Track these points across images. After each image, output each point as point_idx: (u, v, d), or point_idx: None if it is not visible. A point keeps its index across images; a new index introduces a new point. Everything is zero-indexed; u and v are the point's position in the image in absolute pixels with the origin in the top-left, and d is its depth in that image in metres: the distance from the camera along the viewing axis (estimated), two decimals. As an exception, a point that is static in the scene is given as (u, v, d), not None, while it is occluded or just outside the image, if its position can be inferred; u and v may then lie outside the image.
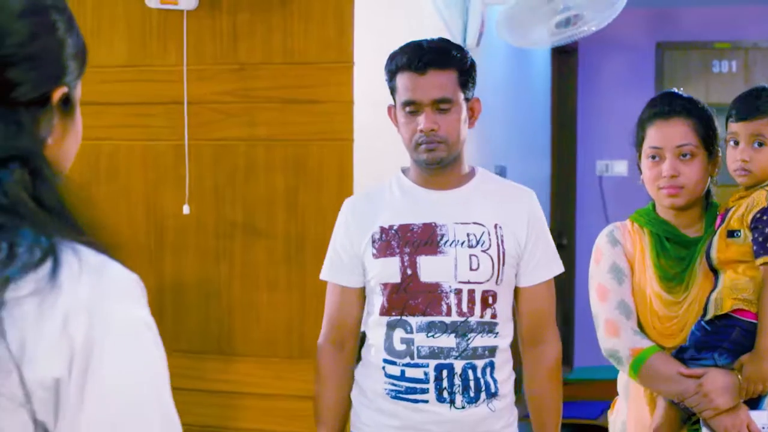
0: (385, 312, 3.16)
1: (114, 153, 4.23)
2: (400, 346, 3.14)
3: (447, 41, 3.19)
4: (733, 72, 8.89)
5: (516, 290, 3.23)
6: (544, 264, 3.23)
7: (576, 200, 9.06)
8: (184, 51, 4.09)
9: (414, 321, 3.11)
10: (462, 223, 3.14)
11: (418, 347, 3.11)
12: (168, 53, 4.14)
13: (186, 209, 4.09)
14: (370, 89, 4.02)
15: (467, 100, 3.15)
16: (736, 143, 3.11)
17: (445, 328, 3.10)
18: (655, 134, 3.17)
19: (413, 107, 3.10)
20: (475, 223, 3.15)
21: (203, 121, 4.11)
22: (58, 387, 1.27)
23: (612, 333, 3.16)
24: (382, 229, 3.17)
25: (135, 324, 1.34)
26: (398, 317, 3.13)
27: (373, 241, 3.17)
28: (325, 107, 3.97)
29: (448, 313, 3.09)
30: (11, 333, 1.24)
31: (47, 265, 1.29)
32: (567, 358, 8.02)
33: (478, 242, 3.13)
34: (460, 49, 3.18)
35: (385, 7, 4.30)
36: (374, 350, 3.20)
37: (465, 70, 3.13)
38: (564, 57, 8.76)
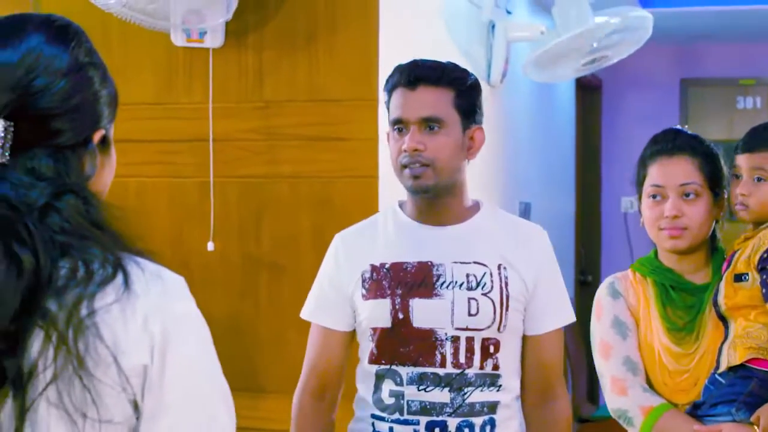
0: (374, 360, 2.84)
1: (140, 190, 4.25)
2: (389, 400, 2.81)
3: (451, 63, 2.92)
4: (758, 108, 8.89)
5: (522, 339, 2.91)
6: (554, 311, 2.91)
7: (601, 237, 9.05)
8: (210, 89, 4.11)
9: (404, 371, 2.78)
10: (461, 263, 2.81)
11: (408, 401, 2.78)
12: (194, 91, 4.17)
13: (210, 246, 4.11)
14: (394, 126, 4.02)
15: (466, 126, 2.84)
16: (738, 177, 2.98)
17: (439, 381, 2.76)
18: (656, 172, 3.00)
19: (400, 125, 2.81)
20: (476, 262, 2.82)
21: (228, 158, 4.13)
22: (145, 372, 1.60)
23: (619, 392, 2.96)
24: (373, 268, 2.85)
25: (194, 317, 1.71)
26: (387, 366, 2.81)
27: (363, 281, 2.86)
28: (350, 144, 3.98)
29: (442, 364, 2.76)
30: (106, 334, 1.56)
31: (120, 277, 1.60)
32: (592, 395, 7.99)
33: (478, 284, 2.79)
34: (461, 70, 2.89)
35: (410, 44, 4.31)
36: (363, 404, 2.90)
37: (463, 91, 2.83)
38: (588, 93, 8.77)
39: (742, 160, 2.98)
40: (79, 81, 1.68)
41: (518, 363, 2.89)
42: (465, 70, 2.90)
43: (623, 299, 3.05)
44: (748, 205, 2.95)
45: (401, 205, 2.97)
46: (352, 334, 2.95)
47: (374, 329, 2.83)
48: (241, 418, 4.21)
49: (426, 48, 4.58)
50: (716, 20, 7.93)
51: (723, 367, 2.84)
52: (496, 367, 2.80)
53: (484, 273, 2.81)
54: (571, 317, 2.96)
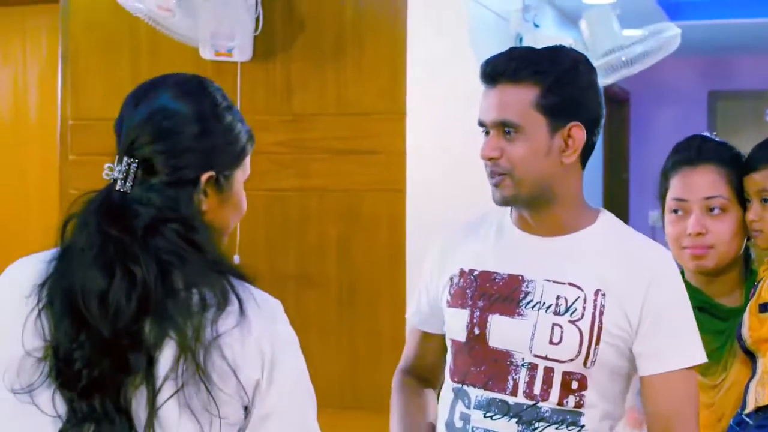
0: (452, 375, 2.53)
1: (168, 203, 4.25)
2: (458, 423, 2.49)
3: (549, 50, 2.48)
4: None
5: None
6: (670, 349, 2.39)
7: (628, 250, 9.01)
8: (238, 102, 4.12)
9: (474, 394, 2.46)
10: (554, 282, 2.42)
11: (473, 427, 2.45)
12: (222, 104, 4.17)
13: (237, 259, 4.11)
14: (422, 140, 4.03)
15: (557, 126, 2.40)
16: (749, 201, 2.68)
17: (507, 410, 2.41)
18: (679, 184, 2.71)
19: (483, 127, 2.46)
20: (570, 284, 2.40)
21: (256, 171, 4.08)
22: (257, 384, 1.91)
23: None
24: (462, 273, 2.53)
25: (292, 338, 2.03)
26: (460, 385, 2.49)
27: (451, 285, 2.55)
28: (378, 158, 3.98)
29: (513, 393, 2.40)
30: (227, 353, 1.87)
31: (236, 303, 1.89)
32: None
33: (567, 309, 2.39)
34: (554, 58, 2.43)
35: (439, 57, 4.31)
36: (438, 422, 2.58)
37: (551, 87, 2.39)
38: (616, 106, 8.75)
39: (748, 182, 2.67)
40: (195, 131, 1.99)
41: (617, 406, 2.46)
42: (561, 58, 2.45)
43: None
44: (762, 230, 2.64)
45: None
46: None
47: (453, 341, 2.54)
48: None
49: (454, 60, 4.58)
50: (745, 32, 7.90)
51: (750, 407, 2.52)
52: (579, 405, 2.39)
53: (577, 297, 2.40)
54: (694, 358, 2.41)
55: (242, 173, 2.12)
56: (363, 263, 4.01)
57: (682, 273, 2.68)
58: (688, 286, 2.61)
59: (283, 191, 4.12)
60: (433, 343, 2.68)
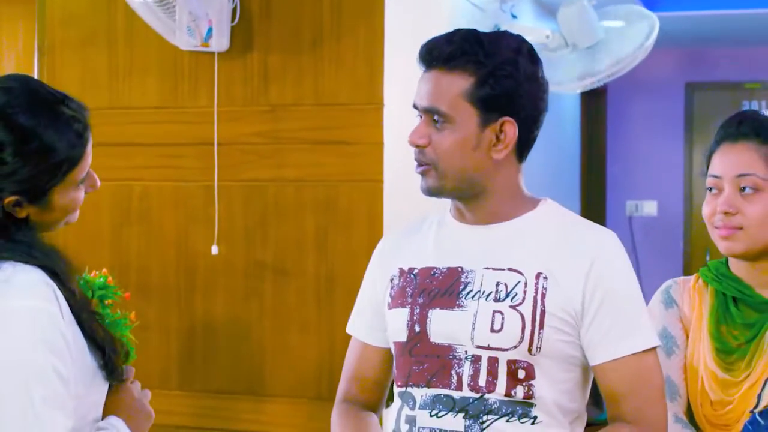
0: (396, 380, 2.42)
1: (145, 193, 4.25)
2: (404, 427, 2.35)
3: (488, 36, 2.33)
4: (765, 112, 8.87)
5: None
6: (621, 334, 2.27)
7: (605, 240, 9.03)
8: (215, 93, 4.11)
9: (418, 394, 2.33)
10: (493, 269, 2.31)
11: (419, 428, 2.32)
12: (199, 95, 4.17)
13: (215, 250, 4.11)
14: (400, 131, 4.02)
15: (489, 120, 2.28)
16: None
17: (452, 405, 2.29)
18: (717, 161, 2.52)
19: (417, 113, 2.36)
20: (510, 269, 2.30)
21: (233, 162, 4.13)
22: None
23: None
24: (401, 272, 2.43)
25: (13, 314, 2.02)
26: (404, 388, 2.37)
27: (392, 287, 2.45)
28: (356, 149, 3.98)
29: (458, 387, 2.29)
30: None
31: None
32: (597, 398, 7.95)
33: (507, 295, 2.28)
34: (491, 47, 2.29)
35: (416, 48, 4.30)
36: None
37: (486, 77, 2.27)
38: (593, 98, 8.77)
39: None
40: None
41: (576, 400, 2.35)
42: (501, 47, 2.30)
43: (677, 308, 2.60)
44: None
45: None
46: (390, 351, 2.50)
47: (395, 344, 2.41)
48: (245, 422, 4.24)
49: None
50: (721, 24, 7.92)
51: (762, 405, 2.41)
52: (528, 395, 2.27)
53: (518, 282, 2.29)
54: (646, 342, 2.29)
55: (67, 186, 2.15)
56: (340, 254, 4.01)
57: (726, 261, 2.58)
58: (727, 273, 2.55)
59: (261, 182, 4.11)
60: (377, 357, 2.53)
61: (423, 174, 2.34)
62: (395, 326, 2.39)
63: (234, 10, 4.06)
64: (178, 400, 4.12)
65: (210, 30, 3.98)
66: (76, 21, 4.35)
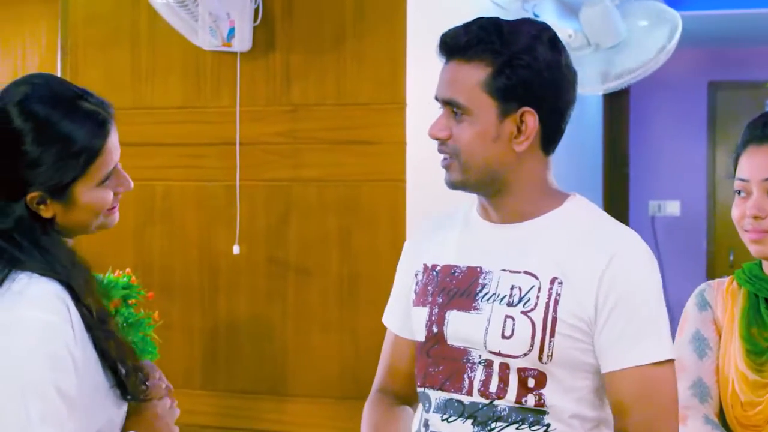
0: (416, 379, 2.37)
1: (167, 193, 4.25)
2: (421, 429, 2.33)
3: (516, 23, 2.27)
4: (788, 112, 8.84)
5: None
6: (633, 343, 2.16)
7: (628, 240, 9.00)
8: (238, 93, 4.12)
9: (433, 396, 2.29)
10: (510, 272, 2.24)
11: None
12: (221, 95, 4.17)
13: (236, 249, 4.11)
14: (422, 130, 3.99)
15: (508, 111, 2.20)
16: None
17: (462, 411, 2.24)
18: (744, 163, 2.48)
19: (439, 103, 2.30)
20: (526, 272, 2.22)
21: (255, 162, 4.13)
22: None
23: (679, 419, 2.28)
24: (425, 268, 2.38)
25: (14, 324, 2.01)
26: (423, 389, 2.33)
27: (416, 283, 2.40)
28: (378, 148, 3.97)
29: (469, 392, 2.23)
30: None
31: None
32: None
33: (520, 299, 2.20)
34: (515, 34, 2.22)
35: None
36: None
37: (503, 68, 2.19)
38: (615, 97, 8.73)
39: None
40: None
41: (594, 407, 2.24)
42: (519, 34, 2.23)
43: (710, 311, 2.56)
44: None
45: None
46: None
47: (416, 343, 2.37)
48: (267, 422, 4.24)
49: (453, 51, 4.57)
50: (745, 23, 7.89)
51: None
52: (540, 404, 2.19)
53: (532, 287, 2.20)
54: (659, 353, 2.17)
55: (90, 180, 2.12)
56: (363, 254, 4.01)
57: (760, 263, 2.53)
58: (760, 275, 2.51)
59: (283, 182, 4.11)
60: (409, 350, 2.44)
61: (447, 168, 2.27)
62: (416, 325, 2.35)
63: (256, 11, 4.06)
64: (201, 399, 4.13)
65: (232, 30, 3.99)
66: (99, 21, 4.36)
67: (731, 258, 8.41)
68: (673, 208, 8.74)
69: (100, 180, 2.12)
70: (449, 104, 2.23)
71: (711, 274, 8.45)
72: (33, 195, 2.07)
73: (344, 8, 4.03)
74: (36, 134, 2.05)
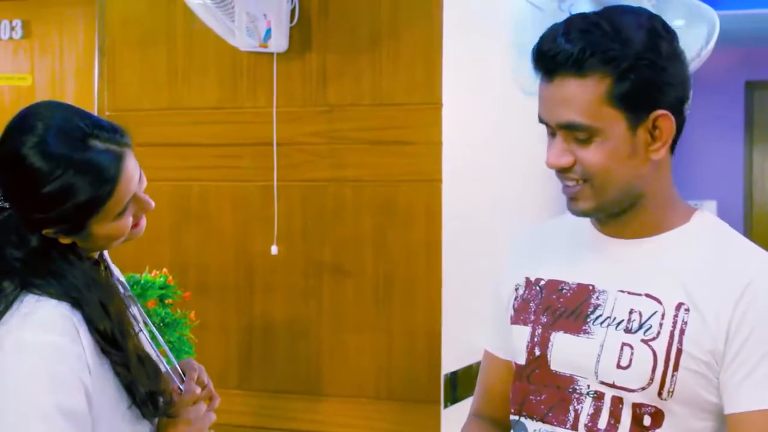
0: (511, 404, 2.16)
1: (204, 194, 4.27)
2: None
3: (620, 21, 1.95)
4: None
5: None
6: (761, 380, 1.89)
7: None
8: (274, 93, 4.12)
9: (531, 427, 2.08)
10: (629, 293, 2.00)
11: None
12: (258, 95, 4.18)
13: (274, 250, 4.12)
14: (459, 130, 4.02)
15: (639, 119, 1.95)
16: None
17: None
18: None
19: (546, 127, 2.03)
20: (648, 295, 1.98)
21: (292, 162, 4.14)
22: None
23: None
24: (528, 282, 2.16)
25: (23, 346, 2.02)
26: (517, 417, 2.11)
27: (515, 298, 2.18)
28: (414, 148, 3.97)
29: (574, 426, 2.00)
30: None
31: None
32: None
33: (641, 326, 1.96)
34: (629, 34, 1.93)
35: (474, 47, 4.30)
36: None
37: (626, 74, 1.92)
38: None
39: None
40: (18, 197, 2.13)
41: None
42: (633, 32, 1.94)
43: None
44: None
45: None
46: None
47: (515, 365, 2.16)
48: (303, 422, 4.25)
49: (490, 50, 4.57)
50: (782, 22, 7.86)
51: None
52: None
53: (654, 312, 1.96)
54: None
55: (107, 217, 2.10)
56: (399, 254, 4.00)
57: None
58: None
59: (319, 182, 4.11)
60: (505, 370, 2.24)
61: (574, 196, 2.01)
62: (516, 346, 2.13)
63: (293, 11, 4.06)
64: (237, 399, 4.14)
65: (269, 31, 3.99)
66: (136, 22, 4.38)
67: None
68: (709, 208, 8.70)
69: (116, 214, 2.10)
70: (568, 129, 1.96)
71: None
72: (47, 232, 2.08)
73: (380, 8, 4.03)
74: (36, 188, 2.03)
